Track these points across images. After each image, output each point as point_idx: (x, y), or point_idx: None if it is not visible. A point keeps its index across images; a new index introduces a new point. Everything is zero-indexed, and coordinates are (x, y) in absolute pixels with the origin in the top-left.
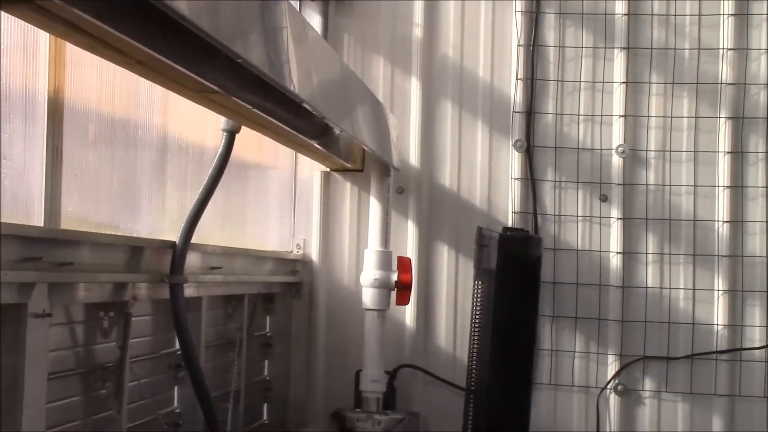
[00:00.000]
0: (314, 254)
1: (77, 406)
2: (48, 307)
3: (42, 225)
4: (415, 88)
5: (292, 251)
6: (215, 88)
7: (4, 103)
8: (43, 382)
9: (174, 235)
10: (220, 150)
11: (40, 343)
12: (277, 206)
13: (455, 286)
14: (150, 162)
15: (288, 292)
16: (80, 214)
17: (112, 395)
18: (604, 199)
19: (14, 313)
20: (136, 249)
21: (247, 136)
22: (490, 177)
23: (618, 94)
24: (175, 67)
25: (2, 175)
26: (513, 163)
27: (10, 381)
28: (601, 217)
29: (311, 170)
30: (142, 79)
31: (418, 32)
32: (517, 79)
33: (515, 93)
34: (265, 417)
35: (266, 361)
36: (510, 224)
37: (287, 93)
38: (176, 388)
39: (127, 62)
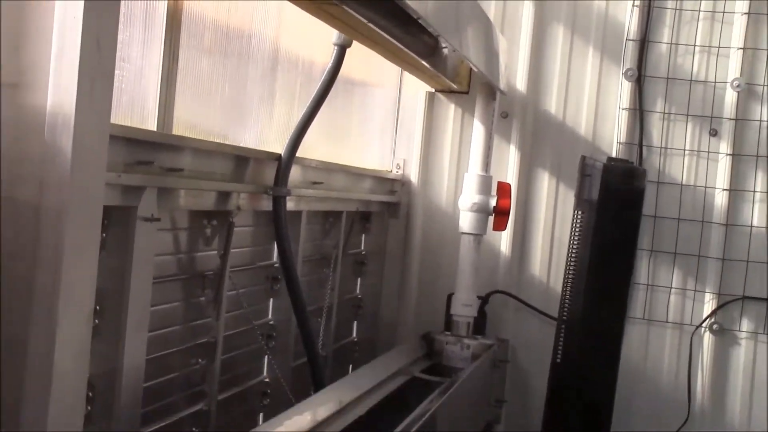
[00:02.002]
0: (413, 175)
1: (177, 311)
2: (156, 211)
3: (155, 129)
4: (527, 10)
5: (391, 171)
6: None
7: (124, 6)
8: (148, 284)
9: (279, 148)
10: (330, 64)
11: (147, 247)
12: (379, 125)
13: (553, 215)
14: (261, 73)
15: (385, 211)
16: (191, 120)
17: (210, 303)
18: (714, 133)
19: (123, 216)
20: (241, 159)
21: (355, 53)
22: (597, 106)
23: (738, 24)
24: None
25: (120, 78)
26: (622, 92)
27: (116, 283)
28: (709, 152)
29: (416, 90)
30: None
31: None
32: (633, 5)
33: (630, 20)
34: (354, 334)
35: (359, 279)
36: (615, 155)
37: (402, 5)
38: (271, 300)
39: None
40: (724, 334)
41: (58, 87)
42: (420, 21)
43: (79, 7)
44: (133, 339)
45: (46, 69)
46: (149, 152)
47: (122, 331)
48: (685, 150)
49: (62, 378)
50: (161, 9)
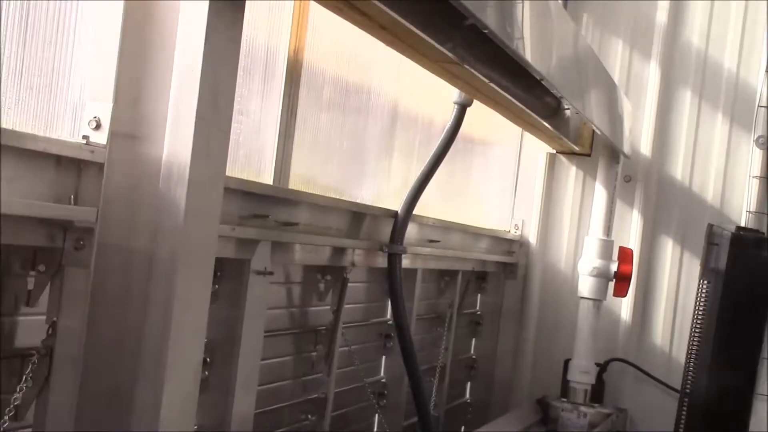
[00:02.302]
0: (532, 236)
1: (288, 365)
2: (269, 265)
3: (271, 183)
4: (653, 73)
5: (510, 231)
6: (454, 58)
7: (243, 59)
8: (259, 337)
9: (396, 205)
10: (450, 122)
11: (260, 300)
12: (498, 185)
13: (677, 283)
14: (379, 130)
15: (502, 272)
16: (308, 175)
17: (322, 358)
18: None
19: (236, 269)
20: (357, 215)
21: (475, 112)
22: (725, 173)
23: None
24: (418, 34)
25: (238, 131)
26: (753, 159)
27: (227, 335)
28: None
29: (537, 151)
30: (379, 47)
31: (662, 15)
32: (766, 70)
33: (762, 85)
34: (467, 395)
35: (473, 340)
36: (743, 224)
37: (526, 66)
38: (384, 358)
39: (370, 26)
40: None
41: (175, 138)
42: (543, 82)
43: (198, 59)
44: (242, 392)
45: (164, 120)
46: (265, 206)
47: (232, 384)
48: None
49: (169, 427)
50: (281, 62)
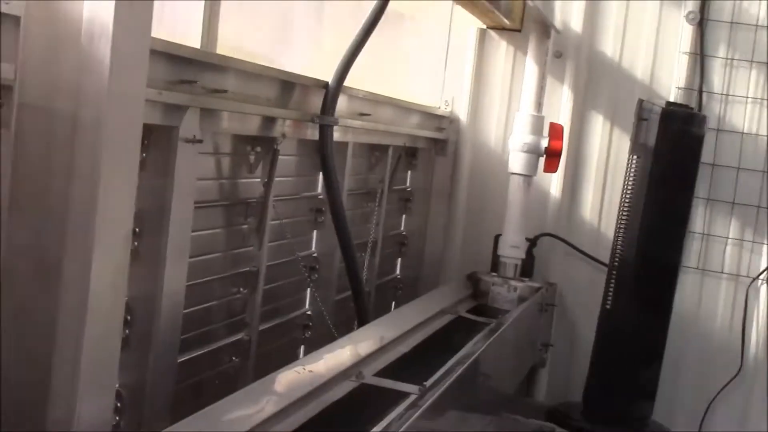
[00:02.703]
0: (462, 113)
1: (219, 237)
2: (198, 132)
3: (198, 47)
4: None
5: (440, 107)
6: None
7: None
8: (189, 207)
9: (326, 76)
10: None
11: (189, 170)
12: (428, 60)
13: (606, 159)
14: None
15: (432, 148)
16: (236, 42)
17: (253, 231)
18: None
19: (164, 136)
20: (288, 84)
21: None
22: (655, 48)
23: None
24: None
25: None
26: (682, 35)
27: (156, 205)
28: None
29: (467, 26)
30: None
31: None
32: None
33: None
34: (398, 272)
35: (404, 216)
36: (672, 100)
37: None
38: (315, 232)
39: None
40: None
41: None
42: None
43: None
44: (173, 263)
45: None
46: (193, 71)
47: (162, 255)
48: (747, 97)
49: (99, 299)
50: None
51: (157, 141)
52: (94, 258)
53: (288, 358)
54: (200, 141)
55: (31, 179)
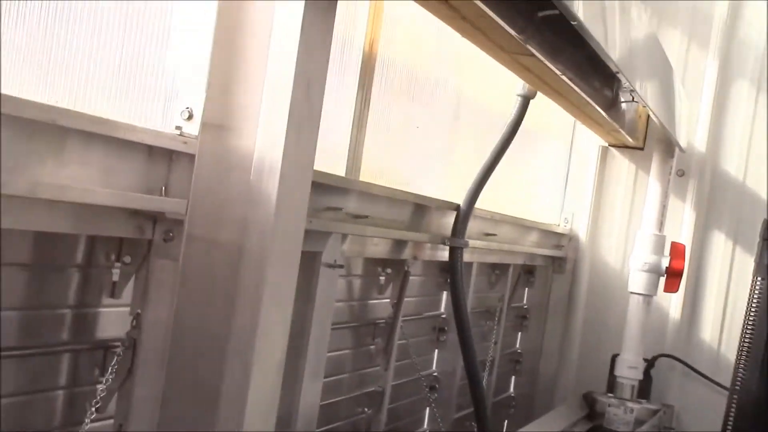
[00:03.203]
0: (582, 230)
1: (348, 358)
2: (340, 257)
3: (344, 175)
4: (710, 66)
5: (559, 225)
6: (532, 50)
7: None
8: (327, 330)
9: (455, 197)
10: (513, 115)
11: (329, 293)
12: (549, 178)
13: (728, 279)
14: (444, 120)
15: (551, 265)
16: (377, 166)
17: (381, 351)
18: None
19: (309, 261)
20: (421, 207)
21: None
22: None
23: None
24: (499, 23)
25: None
26: None
27: (299, 327)
28: None
29: (589, 145)
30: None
31: (722, 7)
32: None
33: None
34: (512, 390)
35: (519, 334)
36: None
37: (603, 58)
38: (436, 351)
39: (451, 17)
40: None
41: (267, 130)
42: (618, 75)
43: (293, 49)
44: (309, 384)
45: (256, 112)
46: (338, 198)
47: (300, 376)
48: None
49: (254, 420)
50: (356, 53)
51: (302, 266)
52: (251, 382)
53: None
54: (341, 266)
55: (195, 306)
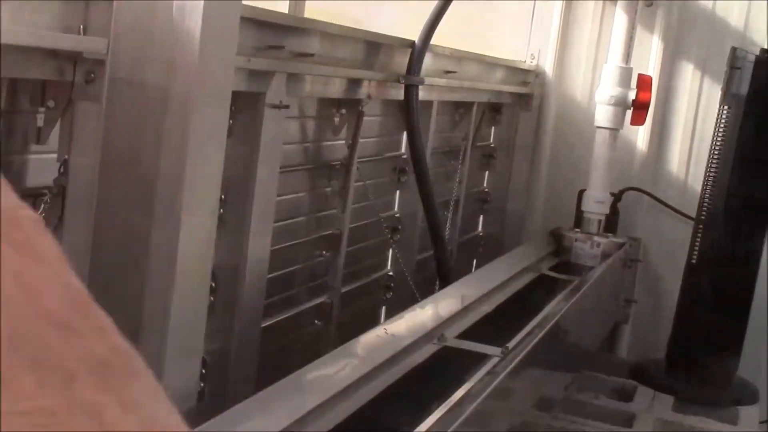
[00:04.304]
0: (549, 66)
1: (303, 201)
2: (285, 98)
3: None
4: None
5: (525, 61)
6: None
7: None
8: (275, 174)
9: (412, 35)
10: None
11: (275, 135)
12: (514, 13)
13: (696, 110)
14: None
15: (517, 103)
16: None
17: (336, 194)
18: None
19: (251, 103)
20: (373, 45)
21: None
22: None
23: None
24: None
25: None
26: None
27: (242, 172)
28: None
29: None
30: None
31: None
32: None
33: None
34: (480, 229)
35: (486, 173)
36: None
37: None
38: (398, 192)
39: None
40: None
41: None
42: None
43: None
44: (258, 230)
45: None
46: (280, 36)
47: (247, 222)
48: None
49: (186, 268)
50: None
51: (244, 107)
52: (182, 227)
53: (370, 319)
54: (287, 106)
55: (121, 151)
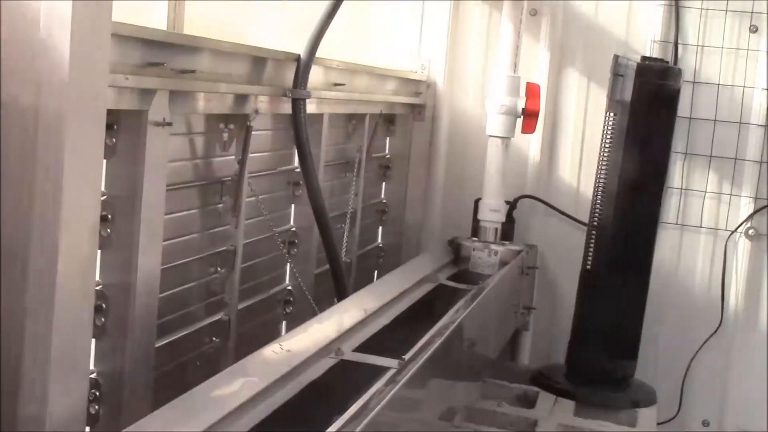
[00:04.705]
0: (439, 76)
1: (194, 218)
2: (168, 115)
3: (165, 29)
4: None
5: (416, 72)
6: None
7: None
8: (161, 192)
9: (297, 48)
10: None
11: (160, 153)
12: (402, 23)
13: (584, 117)
14: None
15: (410, 113)
16: (202, 19)
17: (229, 210)
18: (755, 30)
19: (134, 121)
20: (259, 59)
21: None
22: (631, 2)
23: None
24: None
25: None
26: None
27: (128, 190)
28: (748, 49)
29: None
30: None
31: None
32: None
33: None
34: (379, 240)
35: (383, 184)
36: (649, 54)
37: None
38: (293, 206)
39: None
40: (761, 240)
41: None
42: None
43: None
44: (146, 248)
45: None
46: (160, 53)
47: (135, 240)
48: (723, 47)
49: (67, 288)
50: None
51: (127, 126)
52: (60, 248)
53: (269, 335)
54: (170, 124)
55: None
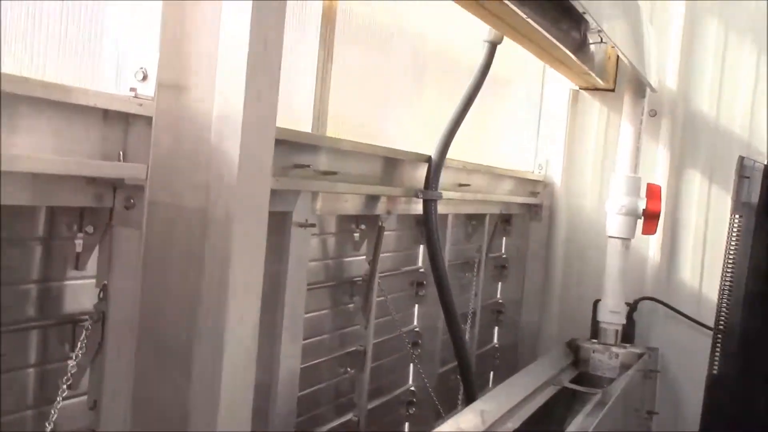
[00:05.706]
0: (556, 176)
1: (327, 318)
2: (311, 216)
3: (310, 131)
4: (678, 2)
5: (534, 171)
6: None
7: None
8: (302, 290)
9: (426, 148)
10: (481, 61)
11: (302, 253)
12: (521, 124)
13: (706, 218)
14: (407, 68)
15: (527, 213)
16: (342, 115)
17: (360, 309)
18: None
19: (279, 221)
20: (391, 161)
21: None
22: (753, 102)
23: None
24: None
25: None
26: None
27: (272, 288)
28: None
29: (559, 89)
30: None
31: None
32: None
33: None
34: (495, 341)
35: (500, 284)
36: None
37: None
38: (417, 306)
39: None
40: None
41: (225, 89)
42: (585, 16)
43: (247, 6)
44: (288, 346)
45: (213, 69)
46: (307, 155)
47: (278, 339)
48: None
49: (230, 385)
50: (316, 7)
51: (272, 226)
52: (225, 346)
53: None
54: (313, 225)
55: (162, 274)
